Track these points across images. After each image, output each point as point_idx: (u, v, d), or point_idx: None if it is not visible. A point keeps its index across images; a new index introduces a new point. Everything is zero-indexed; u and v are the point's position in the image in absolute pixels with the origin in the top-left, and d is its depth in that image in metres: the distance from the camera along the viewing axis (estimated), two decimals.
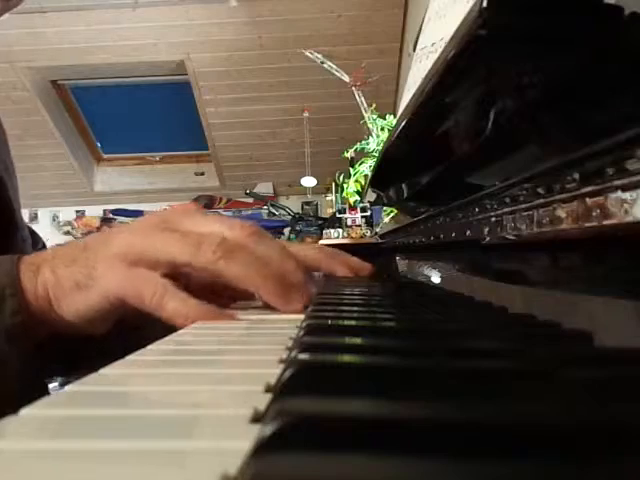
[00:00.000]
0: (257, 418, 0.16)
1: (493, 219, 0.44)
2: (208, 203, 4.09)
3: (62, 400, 0.18)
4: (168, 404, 0.18)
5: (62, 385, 0.20)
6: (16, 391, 0.37)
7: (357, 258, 0.62)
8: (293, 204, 3.98)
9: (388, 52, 3.23)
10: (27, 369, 0.39)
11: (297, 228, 3.28)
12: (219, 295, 0.46)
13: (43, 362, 0.42)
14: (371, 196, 1.12)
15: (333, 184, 2.84)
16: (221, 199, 4.20)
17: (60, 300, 0.38)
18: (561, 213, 0.32)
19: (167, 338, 0.31)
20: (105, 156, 4.18)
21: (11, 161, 0.65)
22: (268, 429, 0.13)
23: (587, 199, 0.29)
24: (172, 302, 0.37)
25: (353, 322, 0.36)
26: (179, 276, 0.40)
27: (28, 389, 0.38)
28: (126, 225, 0.43)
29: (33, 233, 0.67)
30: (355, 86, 2.72)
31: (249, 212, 4.09)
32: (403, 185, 0.90)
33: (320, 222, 3.21)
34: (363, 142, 2.31)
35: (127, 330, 0.43)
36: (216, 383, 0.21)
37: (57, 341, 0.41)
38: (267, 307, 0.43)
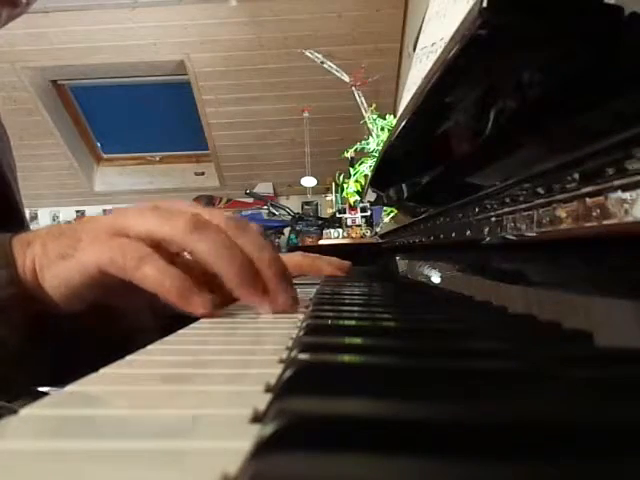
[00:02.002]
0: (257, 418, 0.16)
1: (493, 219, 0.44)
2: (208, 203, 4.09)
3: (62, 400, 0.18)
4: (168, 404, 0.18)
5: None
6: (15, 364, 0.38)
7: (336, 258, 0.65)
8: (293, 204, 3.98)
9: (388, 52, 3.23)
10: (25, 343, 0.39)
11: (297, 228, 3.28)
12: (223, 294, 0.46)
13: (41, 339, 0.42)
14: (371, 196, 1.12)
15: (333, 184, 2.85)
16: (221, 199, 4.20)
17: (44, 271, 0.39)
18: (561, 213, 0.32)
19: (167, 338, 0.31)
20: (105, 156, 4.18)
21: (14, 164, 0.66)
22: (268, 429, 0.13)
23: (587, 199, 0.29)
24: (149, 267, 0.36)
25: (353, 322, 0.36)
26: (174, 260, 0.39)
27: (27, 364, 0.38)
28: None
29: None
30: (355, 86, 2.72)
31: (249, 212, 4.09)
32: (403, 185, 0.90)
33: (320, 222, 3.21)
34: (363, 142, 2.31)
35: (111, 317, 0.43)
36: (216, 383, 0.21)
37: (51, 321, 0.41)
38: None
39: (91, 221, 0.41)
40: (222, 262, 0.37)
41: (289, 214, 3.43)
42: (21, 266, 0.39)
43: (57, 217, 4.37)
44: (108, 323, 0.44)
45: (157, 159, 4.18)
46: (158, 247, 0.38)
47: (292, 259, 0.57)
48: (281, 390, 0.18)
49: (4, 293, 0.38)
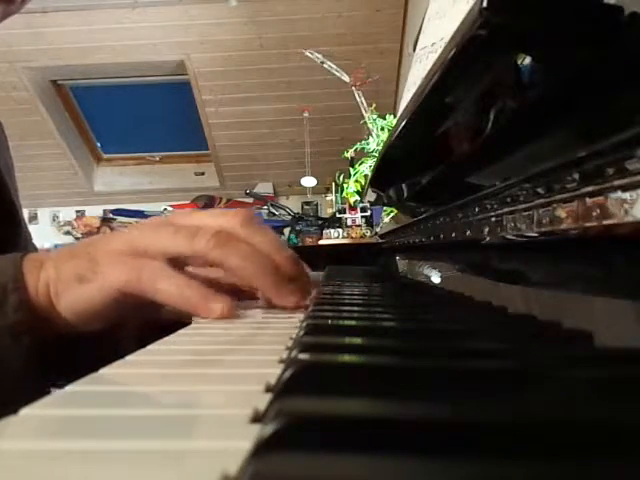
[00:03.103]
0: (257, 418, 0.16)
1: (493, 219, 0.44)
2: (208, 203, 4.09)
3: (62, 400, 0.18)
4: (168, 404, 0.18)
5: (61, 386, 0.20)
6: (19, 389, 0.37)
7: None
8: (293, 204, 3.98)
9: (388, 52, 3.23)
10: (31, 367, 0.38)
11: (297, 228, 3.28)
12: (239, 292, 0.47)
13: (46, 363, 0.41)
14: (371, 196, 1.12)
15: (333, 184, 2.85)
16: (221, 199, 4.20)
17: (60, 295, 0.38)
18: (561, 213, 0.32)
19: (167, 338, 0.31)
20: (105, 156, 4.18)
21: (12, 163, 0.66)
22: (268, 429, 0.13)
23: (587, 199, 0.29)
24: (167, 282, 0.37)
25: (353, 322, 0.36)
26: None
27: (30, 388, 0.38)
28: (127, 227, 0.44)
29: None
30: (355, 86, 2.72)
31: None
32: (403, 185, 0.90)
33: (320, 222, 3.21)
34: (363, 142, 2.31)
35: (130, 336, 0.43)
36: (216, 383, 0.21)
37: (58, 342, 0.40)
38: (268, 306, 0.43)
39: (103, 241, 0.40)
40: (252, 271, 0.39)
41: (289, 214, 3.43)
42: (33, 288, 0.38)
43: (57, 217, 4.37)
44: (118, 333, 0.44)
45: (157, 159, 4.18)
46: (174, 261, 0.39)
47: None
48: (281, 390, 0.18)
49: (14, 317, 0.37)
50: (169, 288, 0.37)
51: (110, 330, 0.42)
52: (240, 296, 0.49)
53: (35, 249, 0.67)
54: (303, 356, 0.21)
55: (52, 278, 0.38)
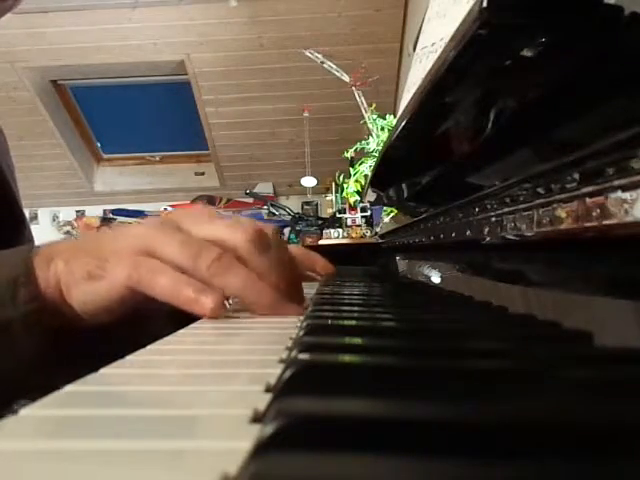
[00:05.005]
0: (257, 418, 0.16)
1: (493, 219, 0.44)
2: (208, 203, 4.09)
3: (62, 400, 0.18)
4: (168, 404, 0.18)
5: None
6: (32, 380, 0.38)
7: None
8: (293, 204, 3.98)
9: (388, 52, 3.23)
10: (44, 358, 0.39)
11: (297, 228, 3.28)
12: None
13: (59, 353, 0.42)
14: (371, 196, 1.12)
15: (333, 184, 2.85)
16: (221, 199, 4.20)
17: (70, 289, 0.39)
18: (561, 213, 0.32)
19: (167, 338, 0.31)
20: (105, 156, 4.18)
21: (12, 163, 0.67)
22: (268, 429, 0.13)
23: (587, 199, 0.29)
24: (161, 278, 0.38)
25: (353, 322, 0.36)
26: None
27: (43, 380, 0.38)
28: (135, 224, 0.45)
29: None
30: (355, 86, 2.72)
31: (249, 212, 4.09)
32: (403, 185, 0.90)
33: (320, 222, 3.21)
34: (363, 142, 2.31)
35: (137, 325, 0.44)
36: (216, 383, 0.21)
37: (70, 333, 0.41)
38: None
39: (113, 236, 0.41)
40: (250, 297, 0.40)
41: (289, 214, 3.44)
42: (44, 281, 0.39)
43: (57, 217, 4.37)
44: (132, 327, 0.45)
45: (157, 159, 4.18)
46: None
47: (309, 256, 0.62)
48: (281, 390, 0.18)
49: (25, 309, 0.38)
50: (164, 283, 0.38)
51: (130, 323, 0.43)
52: None
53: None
54: (303, 356, 0.21)
55: (63, 272, 0.39)
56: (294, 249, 0.61)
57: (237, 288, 0.39)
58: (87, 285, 0.39)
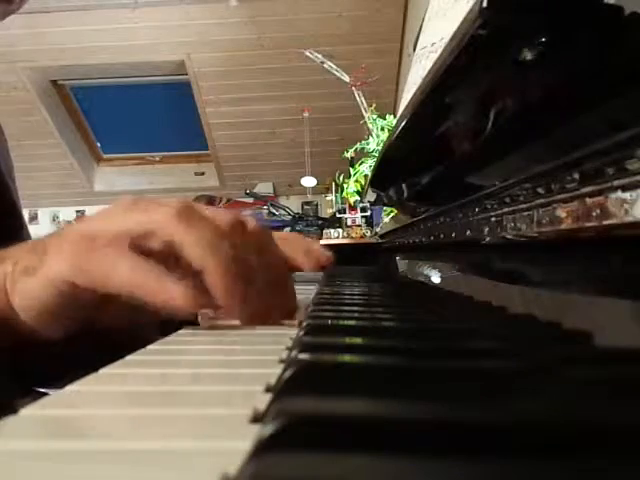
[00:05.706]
0: (257, 418, 0.16)
1: (493, 219, 0.44)
2: (208, 203, 4.09)
3: (62, 400, 0.18)
4: (168, 404, 0.18)
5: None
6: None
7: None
8: (293, 204, 3.98)
9: (388, 52, 3.23)
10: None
11: (297, 228, 3.28)
12: None
13: (17, 370, 0.38)
14: (371, 196, 1.12)
15: (333, 184, 2.84)
16: (221, 199, 4.20)
17: (12, 289, 0.34)
18: (561, 213, 0.32)
19: (167, 338, 0.31)
20: (105, 156, 4.18)
21: (12, 164, 0.67)
22: (268, 429, 0.13)
23: (587, 199, 0.29)
24: (115, 267, 0.31)
25: (353, 322, 0.36)
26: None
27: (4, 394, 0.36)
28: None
29: None
30: (355, 86, 2.72)
31: (249, 212, 4.09)
32: (403, 185, 0.90)
33: (320, 222, 3.21)
34: (363, 142, 2.31)
35: (101, 343, 0.37)
36: (216, 383, 0.21)
37: (28, 349, 0.36)
38: (205, 320, 0.39)
39: (60, 230, 0.36)
40: (207, 258, 0.31)
41: (289, 214, 3.43)
42: None
43: (57, 217, 4.37)
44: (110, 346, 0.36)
45: (157, 159, 4.18)
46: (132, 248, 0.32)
47: (280, 235, 0.52)
48: (281, 390, 0.18)
49: None
50: (121, 273, 0.30)
51: (95, 338, 0.37)
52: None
53: None
54: (303, 356, 0.21)
55: (9, 273, 0.34)
56: (284, 234, 0.57)
57: (203, 241, 0.31)
58: (23, 282, 0.33)
